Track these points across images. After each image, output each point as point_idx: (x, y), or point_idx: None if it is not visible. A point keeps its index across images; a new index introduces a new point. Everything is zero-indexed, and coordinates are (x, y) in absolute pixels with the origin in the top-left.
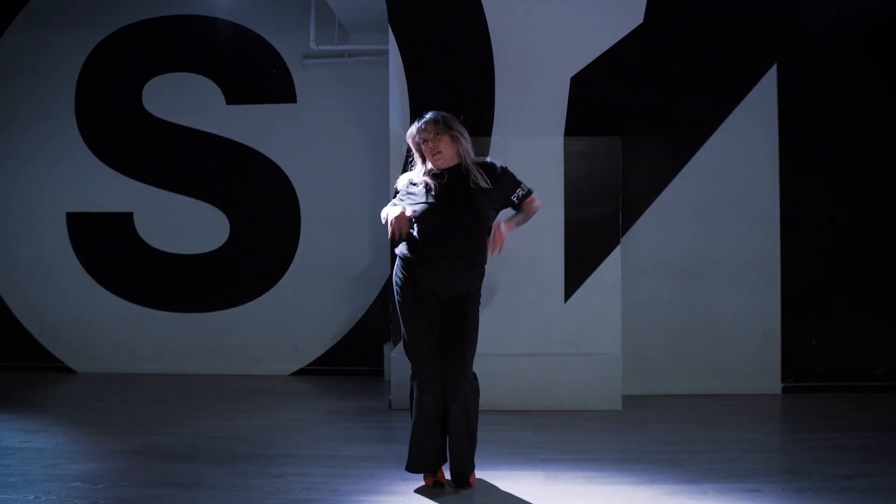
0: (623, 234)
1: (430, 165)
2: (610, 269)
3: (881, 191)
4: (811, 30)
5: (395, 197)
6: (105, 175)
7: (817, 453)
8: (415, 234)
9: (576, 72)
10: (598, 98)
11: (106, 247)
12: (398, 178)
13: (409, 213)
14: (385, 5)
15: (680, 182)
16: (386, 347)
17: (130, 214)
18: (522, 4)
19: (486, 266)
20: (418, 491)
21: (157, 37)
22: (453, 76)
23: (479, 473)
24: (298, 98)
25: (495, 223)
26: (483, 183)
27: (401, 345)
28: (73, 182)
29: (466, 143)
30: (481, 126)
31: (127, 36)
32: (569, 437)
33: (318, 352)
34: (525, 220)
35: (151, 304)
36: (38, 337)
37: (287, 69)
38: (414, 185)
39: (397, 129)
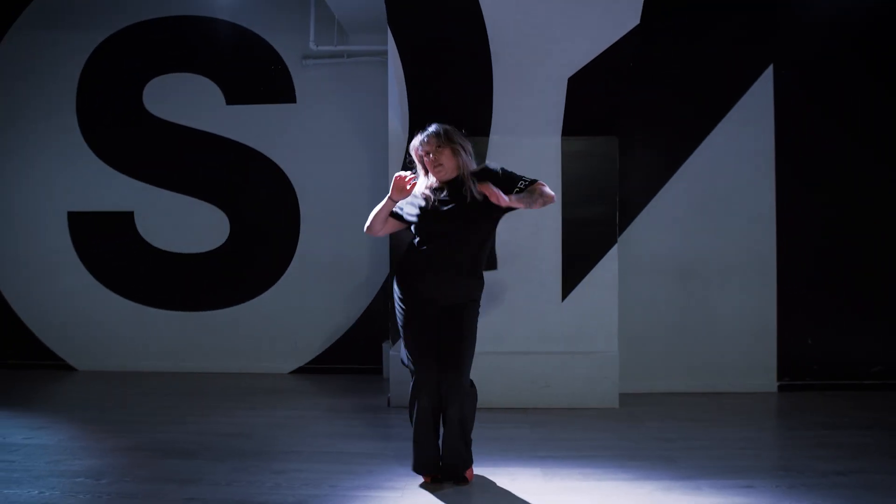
0: (620, 234)
1: (432, 177)
2: (607, 268)
3: (877, 190)
4: (807, 30)
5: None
6: (106, 174)
7: (812, 450)
8: (415, 243)
9: (573, 72)
10: (595, 98)
11: (107, 246)
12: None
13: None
14: (384, 6)
15: (676, 182)
16: (385, 345)
17: (131, 213)
18: (520, 5)
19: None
20: (422, 486)
21: (158, 37)
22: (452, 76)
23: (478, 470)
24: (298, 98)
25: (498, 193)
26: (478, 195)
27: (399, 345)
28: (75, 181)
29: (467, 157)
30: (479, 126)
31: (128, 36)
32: (566, 434)
33: (317, 350)
34: (532, 202)
35: (152, 303)
36: (39, 335)
37: (287, 69)
38: (415, 196)
39: (396, 128)
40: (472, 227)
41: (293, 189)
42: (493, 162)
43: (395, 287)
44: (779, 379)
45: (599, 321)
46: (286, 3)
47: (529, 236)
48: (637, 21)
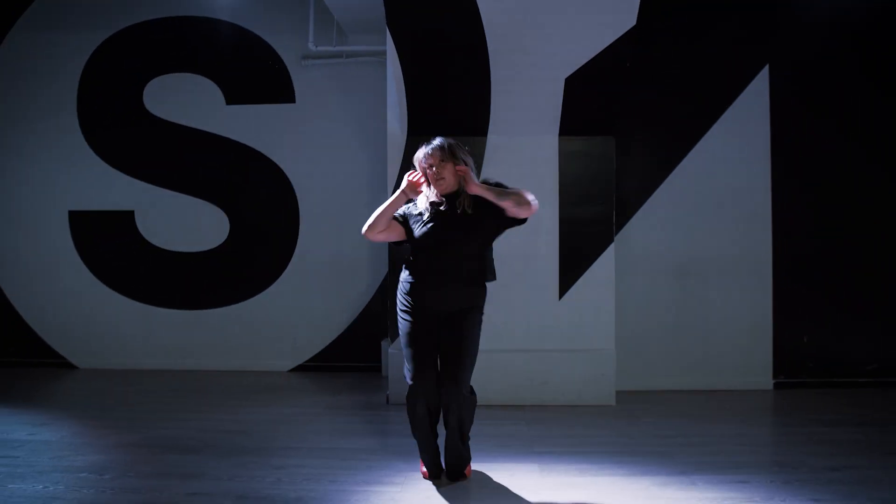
0: (617, 233)
1: (433, 189)
2: (604, 267)
3: (872, 189)
4: (803, 30)
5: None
6: (107, 174)
7: (806, 446)
8: (411, 258)
9: (570, 73)
10: (592, 98)
11: (108, 245)
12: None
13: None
14: (383, 7)
15: (673, 181)
16: (383, 343)
17: (132, 213)
18: (518, 6)
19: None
20: (422, 481)
21: (158, 38)
22: (450, 77)
23: (476, 466)
24: (297, 98)
25: (470, 177)
26: (469, 209)
27: (397, 343)
28: (75, 181)
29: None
30: (477, 126)
31: (128, 37)
32: (563, 431)
33: (316, 348)
34: (501, 198)
35: (152, 301)
36: (40, 333)
37: (286, 70)
38: (415, 206)
39: (395, 128)
40: (469, 237)
41: (292, 188)
42: (492, 178)
43: (398, 299)
44: (774, 376)
45: (596, 319)
46: (285, 3)
47: (527, 235)
48: (633, 22)
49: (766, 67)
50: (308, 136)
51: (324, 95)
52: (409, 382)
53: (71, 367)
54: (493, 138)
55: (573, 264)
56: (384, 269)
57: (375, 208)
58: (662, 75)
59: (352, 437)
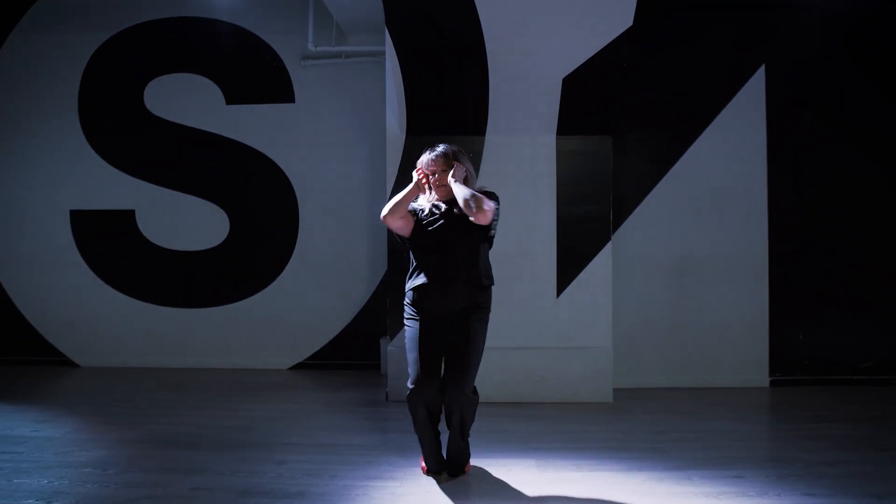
0: (614, 231)
1: (434, 194)
2: (601, 266)
3: (868, 188)
4: (799, 31)
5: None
6: (108, 174)
7: (801, 442)
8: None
9: (568, 73)
10: (589, 98)
11: (108, 244)
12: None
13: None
14: (382, 8)
15: (669, 180)
16: (382, 341)
17: (132, 212)
18: (516, 7)
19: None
20: (421, 475)
21: (159, 38)
22: (448, 77)
23: (474, 461)
24: (297, 98)
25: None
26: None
27: (397, 339)
28: (77, 180)
29: (470, 180)
30: (476, 125)
31: (129, 38)
32: (560, 427)
33: (315, 346)
34: (463, 194)
35: (153, 300)
36: (41, 331)
37: (286, 70)
38: (420, 206)
39: (393, 128)
40: (467, 237)
41: (292, 187)
42: (487, 186)
43: (405, 310)
44: (770, 374)
45: (594, 317)
46: (285, 4)
47: (525, 234)
48: (630, 23)
49: (763, 67)
50: (307, 136)
51: (323, 95)
52: (410, 387)
53: (72, 364)
54: (491, 138)
55: (570, 262)
56: (383, 268)
57: (374, 207)
58: (659, 75)
59: (352, 433)
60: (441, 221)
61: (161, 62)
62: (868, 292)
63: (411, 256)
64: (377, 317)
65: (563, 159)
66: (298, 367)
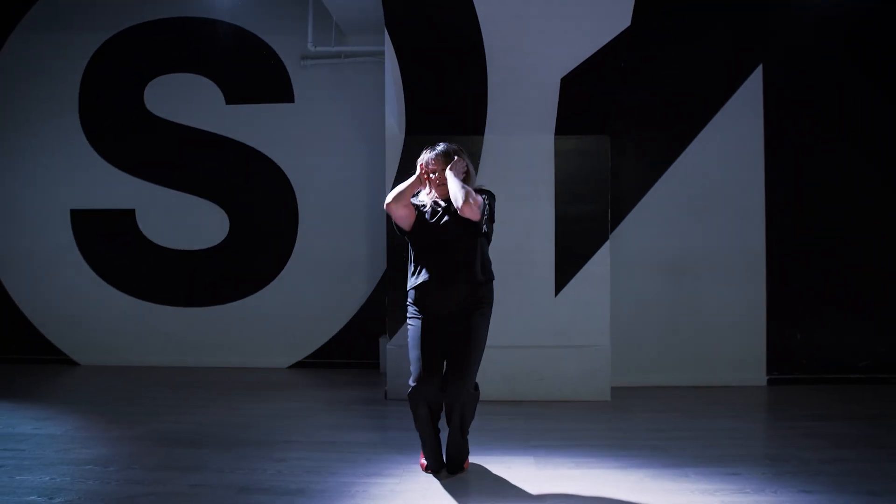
0: (612, 230)
1: (434, 193)
2: (599, 264)
3: (865, 187)
4: (796, 30)
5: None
6: (108, 173)
7: (797, 440)
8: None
9: (566, 73)
10: (587, 98)
11: (109, 243)
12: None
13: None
14: (381, 8)
15: (667, 179)
16: (381, 340)
17: (132, 211)
18: (514, 8)
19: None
20: (421, 472)
21: (159, 38)
22: (447, 77)
23: (473, 459)
24: (296, 98)
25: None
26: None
27: (396, 338)
28: (77, 180)
29: (469, 176)
30: (475, 125)
31: (129, 38)
32: (559, 425)
33: (315, 345)
34: (456, 187)
35: (153, 299)
36: (42, 330)
37: (285, 70)
38: (421, 201)
39: (392, 127)
40: (464, 236)
41: (291, 187)
42: (485, 185)
43: (408, 310)
44: (768, 373)
45: (592, 316)
46: (285, 5)
47: (523, 233)
48: (628, 23)
49: (760, 67)
50: (307, 136)
51: (323, 95)
52: (412, 384)
53: (72, 363)
54: (490, 137)
55: (569, 261)
56: (382, 267)
57: (373, 207)
58: (657, 75)
59: (351, 431)
60: (440, 219)
61: (161, 62)
62: (866, 291)
63: (411, 255)
64: (376, 315)
65: (562, 159)
66: (298, 365)
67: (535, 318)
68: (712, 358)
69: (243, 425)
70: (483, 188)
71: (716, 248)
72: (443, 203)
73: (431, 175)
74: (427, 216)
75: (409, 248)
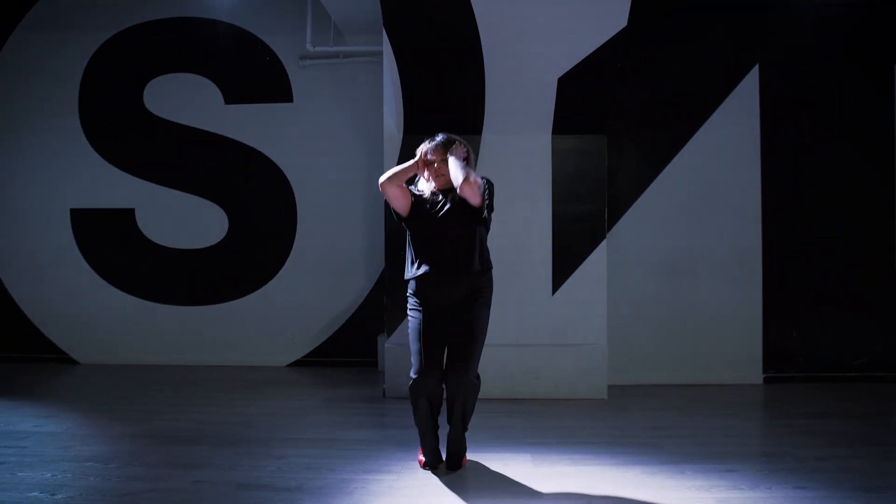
0: (609, 230)
1: (433, 184)
2: (596, 263)
3: (861, 187)
4: (792, 30)
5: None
6: (108, 173)
7: (793, 438)
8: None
9: (563, 73)
10: (584, 98)
11: (109, 242)
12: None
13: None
14: (379, 8)
15: (664, 179)
16: (380, 339)
17: (132, 211)
18: (512, 8)
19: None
20: (419, 469)
21: (158, 38)
22: (445, 76)
23: (470, 456)
24: (295, 98)
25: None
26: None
27: (395, 336)
28: (77, 179)
29: (470, 161)
30: (472, 125)
31: (129, 38)
32: (556, 423)
33: (313, 344)
34: (461, 174)
35: (153, 298)
36: (42, 329)
37: (284, 70)
38: (420, 191)
39: (391, 127)
40: (464, 227)
41: (290, 186)
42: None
43: (408, 301)
44: (764, 371)
45: (589, 315)
46: (283, 5)
47: (521, 232)
48: (625, 23)
49: (756, 67)
50: (306, 135)
51: (321, 95)
52: (413, 377)
53: (72, 362)
54: (487, 137)
55: (566, 260)
56: (381, 266)
57: (372, 206)
58: (653, 75)
59: (350, 428)
60: (440, 211)
61: (160, 62)
62: (862, 290)
63: (410, 245)
64: (375, 314)
65: (559, 158)
66: (296, 364)
67: (533, 317)
68: (709, 356)
69: (243, 423)
70: (482, 177)
71: (712, 247)
72: (441, 195)
73: (430, 166)
74: (427, 206)
75: (408, 237)
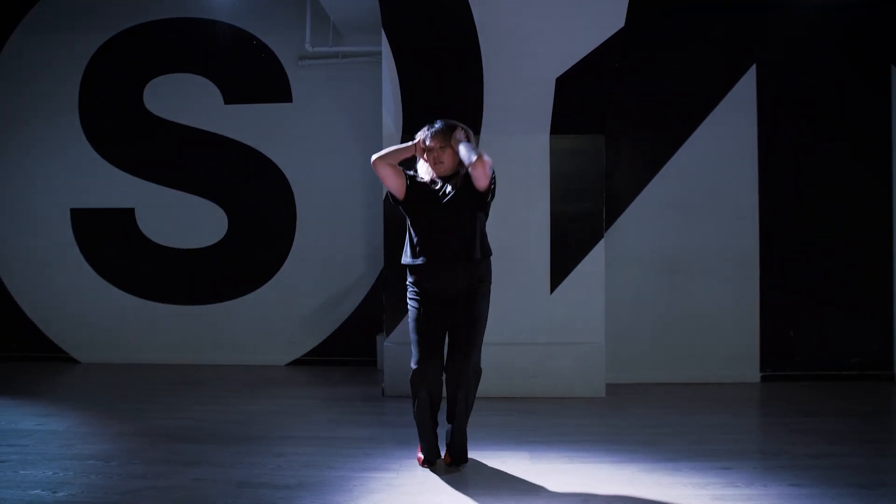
0: (607, 229)
1: (431, 172)
2: (594, 263)
3: (858, 187)
4: (790, 31)
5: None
6: (108, 173)
7: (789, 436)
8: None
9: (561, 73)
10: (582, 98)
11: (109, 242)
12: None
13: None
14: (378, 9)
15: (662, 179)
16: (379, 338)
17: (132, 210)
18: (510, 9)
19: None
20: (418, 466)
21: (158, 39)
22: (444, 76)
23: (470, 453)
24: (294, 98)
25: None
26: (459, 185)
27: (394, 335)
28: (77, 179)
29: (471, 141)
30: (471, 124)
31: (128, 38)
32: (553, 421)
33: (312, 343)
34: (466, 146)
35: (152, 297)
36: (42, 328)
37: (283, 70)
38: (420, 177)
39: (390, 127)
40: (464, 213)
41: (290, 186)
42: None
43: (408, 290)
44: (761, 370)
45: (587, 313)
46: (283, 5)
47: (518, 231)
48: (622, 24)
49: (753, 67)
50: (305, 135)
51: (320, 95)
52: (413, 367)
53: (73, 361)
54: (486, 136)
55: (564, 259)
56: (380, 265)
57: (371, 206)
58: (651, 75)
59: (349, 427)
60: (440, 198)
61: (160, 62)
62: (858, 289)
63: (410, 232)
64: (374, 313)
65: (557, 158)
66: (296, 363)
67: (531, 316)
68: (706, 355)
69: (243, 421)
70: None
71: (710, 246)
72: (441, 183)
73: (428, 153)
74: (427, 193)
75: (408, 225)
